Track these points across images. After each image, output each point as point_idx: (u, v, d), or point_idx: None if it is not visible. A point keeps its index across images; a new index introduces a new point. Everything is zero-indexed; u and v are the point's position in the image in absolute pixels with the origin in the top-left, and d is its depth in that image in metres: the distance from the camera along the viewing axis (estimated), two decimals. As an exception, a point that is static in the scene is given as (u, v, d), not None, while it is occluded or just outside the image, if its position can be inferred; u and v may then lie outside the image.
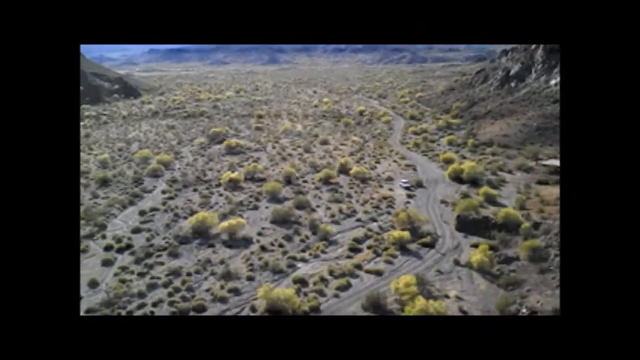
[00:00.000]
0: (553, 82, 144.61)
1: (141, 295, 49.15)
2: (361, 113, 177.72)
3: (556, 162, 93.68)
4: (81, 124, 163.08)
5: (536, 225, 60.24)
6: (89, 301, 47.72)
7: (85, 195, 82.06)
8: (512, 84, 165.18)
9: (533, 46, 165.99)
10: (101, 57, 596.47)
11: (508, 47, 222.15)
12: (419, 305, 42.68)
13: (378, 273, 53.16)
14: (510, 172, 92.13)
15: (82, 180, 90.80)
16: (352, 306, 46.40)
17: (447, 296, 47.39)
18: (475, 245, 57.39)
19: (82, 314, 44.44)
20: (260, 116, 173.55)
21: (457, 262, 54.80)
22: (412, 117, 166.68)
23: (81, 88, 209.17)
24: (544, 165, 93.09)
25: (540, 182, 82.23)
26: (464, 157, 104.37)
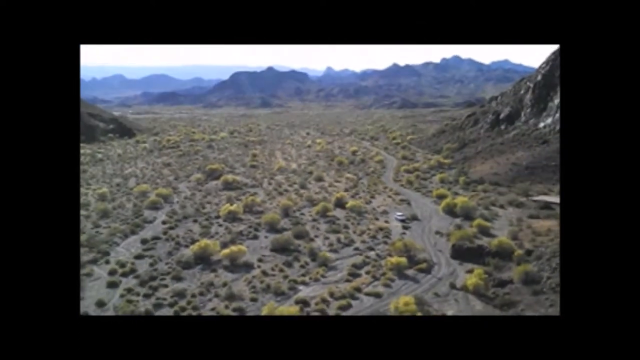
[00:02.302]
0: (542, 124, 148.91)
1: (148, 313, 50.55)
2: (354, 153, 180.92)
3: (546, 198, 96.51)
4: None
5: (529, 252, 62.53)
6: (98, 318, 49.20)
7: (86, 225, 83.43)
8: (502, 127, 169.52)
9: (522, 90, 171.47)
10: (95, 99, 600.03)
11: (497, 92, 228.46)
12: (418, 322, 44.43)
13: (377, 295, 54.95)
14: (502, 207, 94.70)
15: (83, 212, 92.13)
16: (353, 324, 48.02)
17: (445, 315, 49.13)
18: (470, 271, 59.37)
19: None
20: (254, 155, 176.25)
21: (453, 286, 56.67)
22: (404, 158, 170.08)
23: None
24: (535, 201, 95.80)
25: (531, 216, 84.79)
26: (456, 194, 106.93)
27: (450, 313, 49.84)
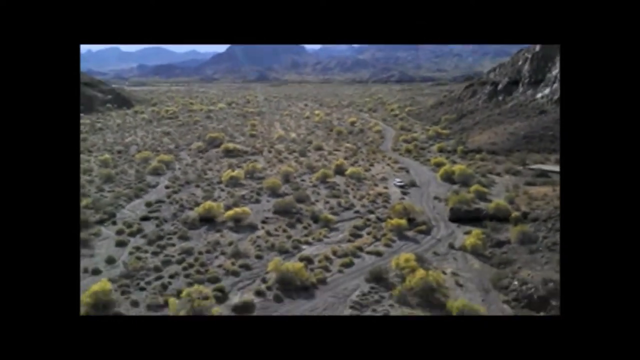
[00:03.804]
0: (539, 95, 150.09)
1: (157, 269, 52.26)
2: (353, 124, 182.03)
3: (543, 166, 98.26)
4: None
5: (525, 215, 64.37)
6: (110, 274, 50.93)
7: (90, 189, 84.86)
8: (500, 98, 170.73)
9: (520, 62, 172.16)
10: (90, 71, 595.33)
11: (495, 64, 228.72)
12: (418, 276, 46.25)
13: (378, 254, 56.79)
14: (499, 174, 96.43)
15: (86, 177, 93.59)
16: (356, 279, 49.92)
17: (444, 272, 50.97)
18: (468, 233, 61.16)
19: (105, 281, 47.25)
20: (254, 125, 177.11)
21: (451, 246, 58.57)
22: (402, 128, 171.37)
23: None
24: (531, 169, 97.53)
25: (528, 183, 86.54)
26: (454, 162, 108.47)
27: (449, 270, 51.74)
